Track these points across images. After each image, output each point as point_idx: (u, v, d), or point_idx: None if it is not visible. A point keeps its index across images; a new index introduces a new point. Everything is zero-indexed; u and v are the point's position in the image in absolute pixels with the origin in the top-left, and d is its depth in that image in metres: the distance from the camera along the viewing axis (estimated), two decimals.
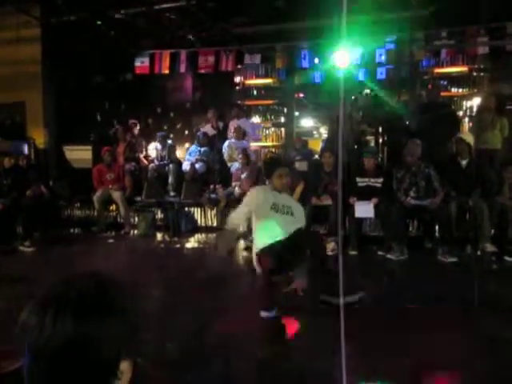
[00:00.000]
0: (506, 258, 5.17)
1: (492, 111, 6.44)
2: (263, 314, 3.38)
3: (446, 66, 8.29)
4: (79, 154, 8.26)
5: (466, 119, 8.07)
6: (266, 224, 3.55)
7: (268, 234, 3.52)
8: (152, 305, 3.75)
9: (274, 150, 8.56)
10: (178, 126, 10.47)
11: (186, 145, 9.41)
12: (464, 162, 5.67)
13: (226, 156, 7.80)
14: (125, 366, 0.81)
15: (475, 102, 8.05)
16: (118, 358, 0.80)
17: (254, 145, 8.74)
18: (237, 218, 3.74)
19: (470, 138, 5.73)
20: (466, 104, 8.26)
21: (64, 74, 8.40)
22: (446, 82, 8.35)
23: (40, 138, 8.53)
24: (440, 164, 5.91)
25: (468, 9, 6.74)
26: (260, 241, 3.55)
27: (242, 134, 7.80)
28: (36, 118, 8.54)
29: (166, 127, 9.85)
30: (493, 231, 5.56)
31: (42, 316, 0.77)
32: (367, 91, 9.05)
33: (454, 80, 8.34)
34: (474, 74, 8.22)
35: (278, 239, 3.47)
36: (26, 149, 7.94)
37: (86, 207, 7.68)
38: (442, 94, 7.83)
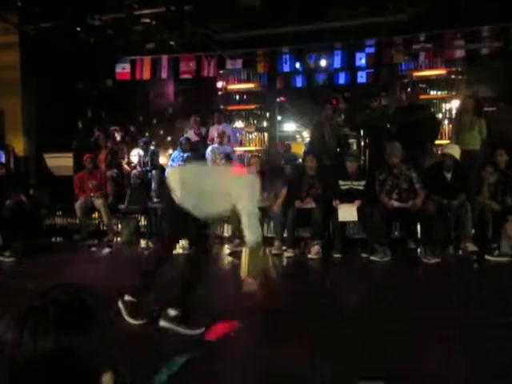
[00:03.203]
0: (487, 257, 5.26)
1: (470, 113, 6.56)
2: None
3: (424, 69, 8.44)
4: (60, 162, 8.15)
5: (446, 121, 8.22)
6: None
7: None
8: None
9: (259, 154, 8.56)
10: (161, 132, 10.42)
11: (170, 151, 9.38)
12: (449, 175, 5.73)
13: (209, 161, 7.79)
14: (106, 378, 0.80)
15: (454, 104, 8.20)
16: (99, 371, 0.79)
17: (237, 149, 8.75)
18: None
19: (455, 151, 5.77)
20: (445, 106, 8.41)
21: (43, 81, 8.29)
22: (424, 85, 8.50)
23: (19, 145, 8.39)
24: (421, 167, 6.01)
25: (445, 13, 6.88)
26: None
27: (225, 139, 7.82)
28: (15, 126, 8.40)
29: (148, 133, 9.79)
30: (473, 231, 5.65)
31: (20, 332, 0.75)
32: (347, 95, 9.16)
33: (433, 83, 8.50)
34: (452, 76, 8.38)
35: None
36: (4, 157, 7.80)
37: (68, 215, 7.58)
38: (421, 96, 7.97)
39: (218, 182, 3.28)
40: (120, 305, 3.33)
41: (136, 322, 3.31)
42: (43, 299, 0.79)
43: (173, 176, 3.29)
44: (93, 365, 0.78)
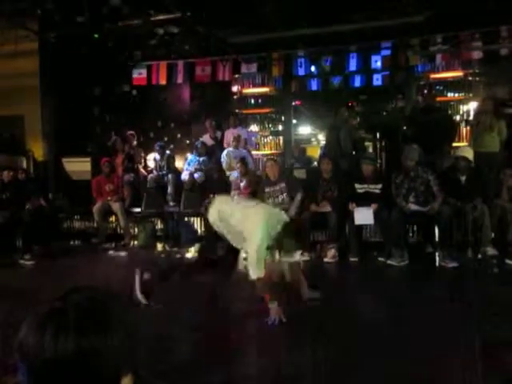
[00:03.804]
0: (507, 261, 5.16)
1: (490, 114, 6.47)
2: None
3: (441, 71, 8.36)
4: (78, 166, 8.28)
5: (463, 123, 8.12)
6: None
7: None
8: (152, 316, 3.73)
9: (275, 157, 8.55)
10: (178, 136, 10.49)
11: (188, 154, 9.47)
12: (463, 178, 5.65)
13: (224, 165, 7.81)
14: (126, 382, 0.80)
15: (471, 106, 8.10)
16: (119, 374, 0.79)
17: (253, 153, 8.76)
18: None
19: (468, 153, 5.70)
20: (463, 108, 8.31)
21: (62, 87, 8.44)
22: (441, 87, 8.41)
23: (39, 150, 8.55)
24: (438, 170, 5.93)
25: (462, 14, 6.80)
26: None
27: (241, 143, 7.83)
28: (35, 131, 8.56)
29: (164, 138, 9.87)
30: (493, 234, 5.56)
31: (42, 334, 0.76)
32: (364, 97, 9.12)
33: (450, 85, 8.40)
34: (470, 78, 8.28)
35: None
36: (24, 162, 7.95)
37: (86, 219, 7.67)
38: (438, 98, 7.88)
39: (241, 220, 3.53)
40: (137, 279, 3.59)
41: (144, 302, 3.57)
42: (63, 302, 0.80)
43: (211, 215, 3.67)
44: (113, 367, 0.78)
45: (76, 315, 0.78)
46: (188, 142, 9.91)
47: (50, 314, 0.78)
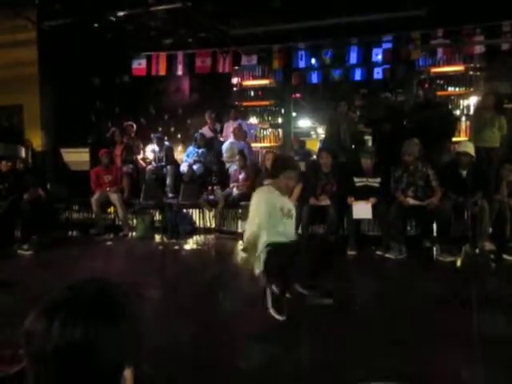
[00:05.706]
0: (505, 256, 5.17)
1: (491, 109, 6.45)
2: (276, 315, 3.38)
3: (442, 65, 8.33)
4: (77, 157, 8.24)
5: (463, 118, 8.11)
6: (273, 229, 3.46)
7: (275, 237, 3.46)
8: (152, 308, 3.74)
9: (274, 150, 8.53)
10: (175, 128, 10.47)
11: (180, 148, 9.49)
12: (464, 172, 5.62)
13: (225, 157, 7.80)
14: (128, 373, 0.81)
15: (472, 101, 8.08)
16: (123, 365, 0.80)
17: (252, 145, 8.75)
18: (253, 235, 3.44)
19: (470, 148, 5.66)
20: (463, 103, 8.29)
21: (61, 77, 8.39)
22: (442, 82, 8.39)
23: (37, 140, 8.51)
24: (438, 164, 5.92)
25: (464, 8, 6.76)
26: (267, 240, 3.44)
27: (242, 135, 7.81)
28: (33, 121, 8.52)
29: (162, 129, 9.84)
30: (491, 229, 5.56)
31: (50, 322, 0.76)
32: (364, 91, 9.09)
33: (451, 79, 8.38)
34: (471, 73, 8.26)
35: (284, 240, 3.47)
36: (23, 152, 7.92)
37: (84, 210, 7.67)
38: (439, 93, 7.86)
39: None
40: (268, 294, 3.47)
41: (277, 317, 3.37)
42: (73, 292, 0.81)
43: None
44: (117, 359, 0.79)
45: (85, 304, 0.79)
46: (181, 134, 9.89)
47: (60, 301, 0.79)
